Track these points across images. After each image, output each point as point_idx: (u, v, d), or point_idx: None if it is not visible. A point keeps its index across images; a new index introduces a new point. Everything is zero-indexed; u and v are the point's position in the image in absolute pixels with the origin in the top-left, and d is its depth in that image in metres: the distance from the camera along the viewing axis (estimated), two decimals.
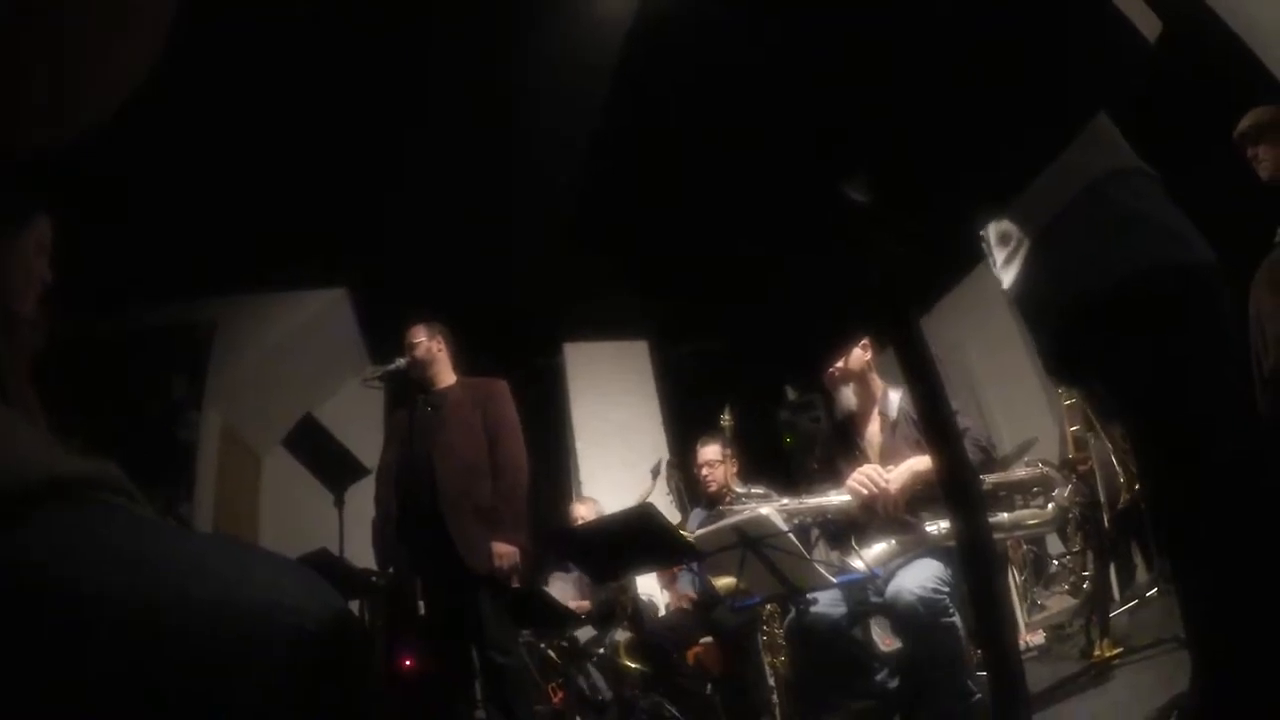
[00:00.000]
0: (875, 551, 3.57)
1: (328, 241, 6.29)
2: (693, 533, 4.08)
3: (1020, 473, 3.85)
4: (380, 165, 5.74)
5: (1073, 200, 1.95)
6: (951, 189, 1.14)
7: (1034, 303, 2.13)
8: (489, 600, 4.26)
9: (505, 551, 4.26)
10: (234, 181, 5.43)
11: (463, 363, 4.77)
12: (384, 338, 5.93)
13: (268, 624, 0.95)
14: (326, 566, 4.69)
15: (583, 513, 6.24)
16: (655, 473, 5.55)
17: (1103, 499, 4.36)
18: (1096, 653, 3.99)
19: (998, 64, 0.97)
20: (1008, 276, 2.18)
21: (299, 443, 5.38)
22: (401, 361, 4.69)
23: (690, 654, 5.04)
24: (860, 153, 1.08)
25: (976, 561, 1.06)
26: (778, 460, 4.48)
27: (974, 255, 2.40)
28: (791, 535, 3.39)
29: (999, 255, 2.19)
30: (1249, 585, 1.77)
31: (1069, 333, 2.03)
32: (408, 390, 4.76)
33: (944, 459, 1.07)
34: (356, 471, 5.08)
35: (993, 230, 2.19)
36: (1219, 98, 4.38)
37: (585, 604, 6.14)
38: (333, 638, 0.97)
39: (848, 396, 3.79)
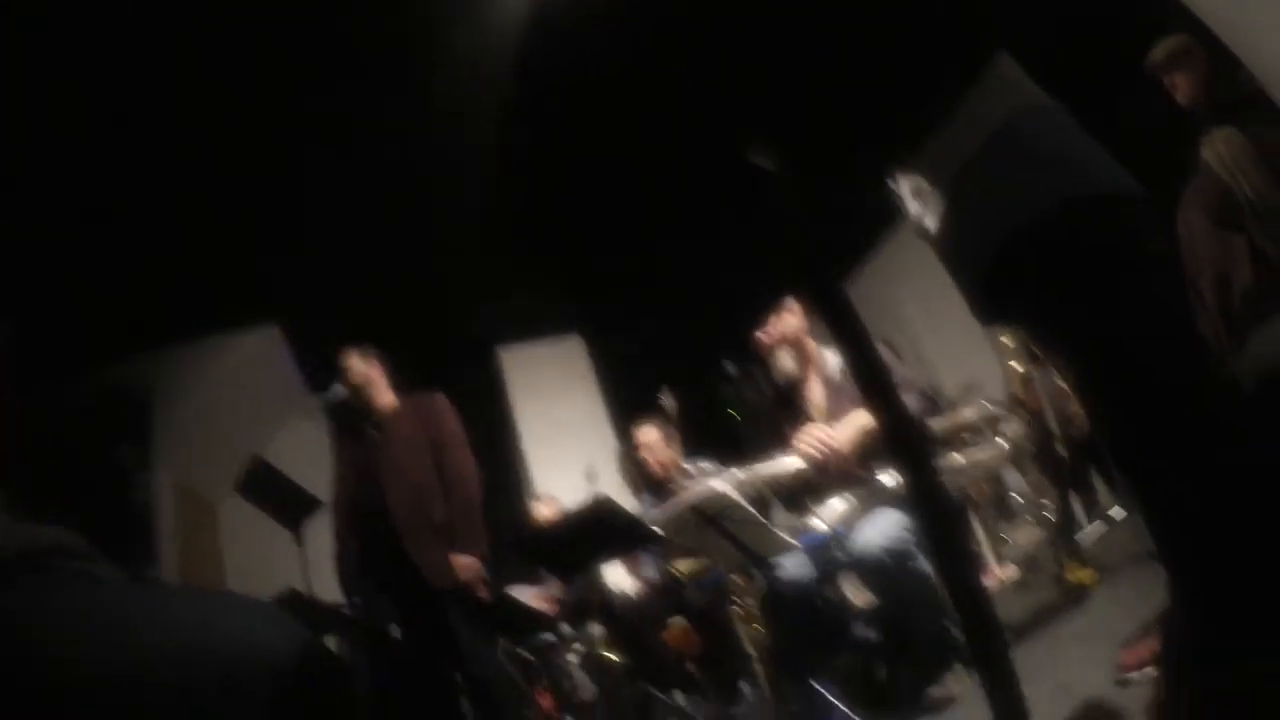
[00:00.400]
0: (834, 510, 3.60)
1: (249, 280, 6.19)
2: (650, 515, 4.07)
3: (967, 414, 3.90)
4: (291, 192, 5.65)
5: (983, 144, 1.94)
6: (857, 148, 1.14)
7: (954, 248, 2.12)
8: (459, 616, 4.22)
9: (465, 564, 4.23)
10: (134, 230, 5.32)
11: (399, 382, 4.71)
12: (321, 367, 5.83)
13: (244, 668, 0.93)
14: (296, 605, 4.64)
15: (545, 512, 6.21)
16: (590, 477, 5.56)
17: (1055, 430, 4.43)
18: (1069, 576, 4.04)
19: (892, 14, 0.97)
20: (928, 222, 2.17)
21: (249, 486, 5.29)
22: (339, 389, 4.64)
23: (665, 635, 5.04)
24: (763, 121, 1.08)
25: (930, 508, 1.07)
26: (728, 435, 4.49)
27: (894, 213, 2.39)
28: (747, 505, 3.39)
29: (914, 208, 2.18)
30: (1214, 496, 1.78)
31: (993, 274, 2.02)
32: (350, 417, 4.71)
33: (883, 412, 1.10)
34: (309, 506, 5.01)
35: (905, 185, 2.17)
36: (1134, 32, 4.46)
37: (553, 603, 6.12)
38: (309, 673, 0.96)
39: (784, 360, 3.80)
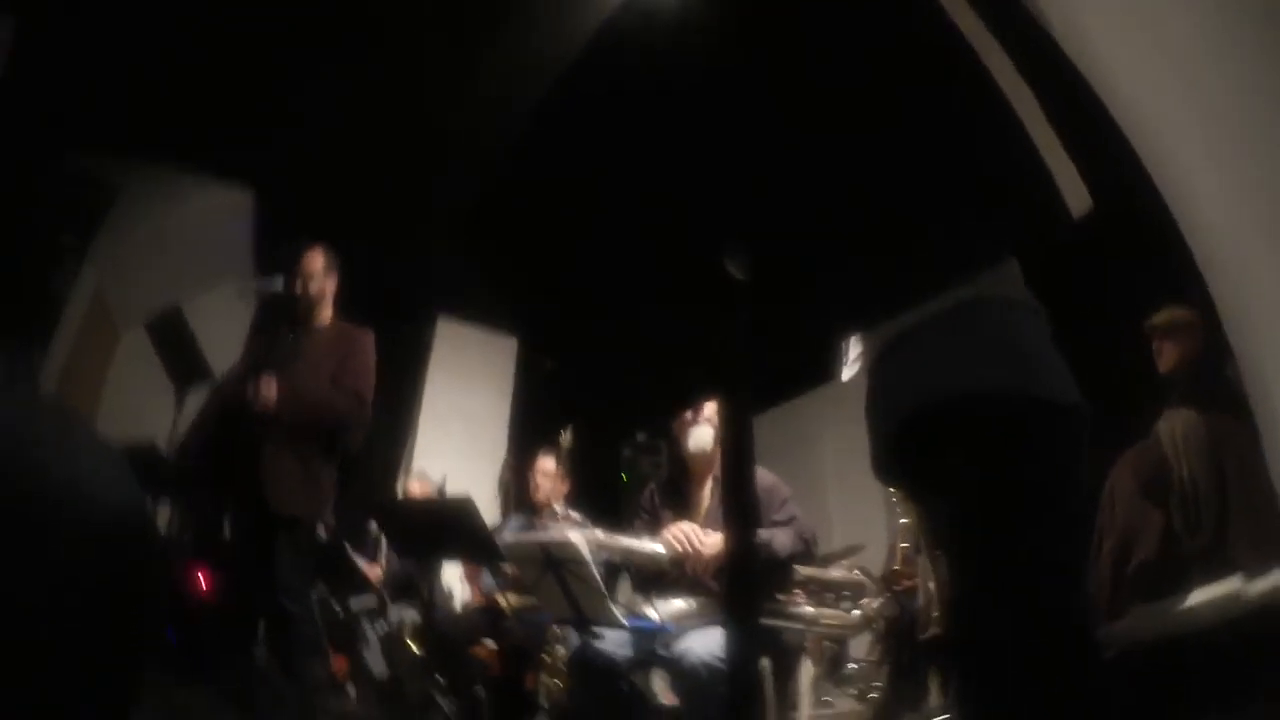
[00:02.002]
0: (673, 607, 3.58)
1: (249, 138, 6.09)
2: (503, 538, 4.04)
3: (835, 573, 3.89)
4: (324, 81, 5.59)
5: (942, 311, 1.91)
6: (827, 300, 1.14)
7: (876, 400, 2.09)
8: (287, 543, 4.12)
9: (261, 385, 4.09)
10: (176, 44, 5.23)
11: (340, 303, 4.60)
12: (273, 250, 5.74)
13: (61, 501, 0.91)
14: (147, 459, 4.55)
15: (414, 489, 6.16)
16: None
17: (912, 620, 4.43)
18: None
19: (912, 190, 0.97)
20: (850, 372, 2.15)
21: (159, 331, 5.19)
22: (281, 282, 4.50)
23: (473, 651, 4.99)
24: (754, 236, 1.08)
25: (740, 643, 1.07)
26: (610, 494, 4.49)
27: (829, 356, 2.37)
28: (594, 567, 3.38)
29: (853, 352, 2.16)
30: None
31: (903, 437, 1.99)
32: (277, 312, 4.58)
33: (735, 538, 1.08)
34: (199, 372, 4.90)
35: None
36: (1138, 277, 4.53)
37: (378, 571, 6.05)
38: (122, 533, 0.93)
39: (700, 436, 3.75)
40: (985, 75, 0.87)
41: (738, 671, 1.09)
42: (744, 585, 1.10)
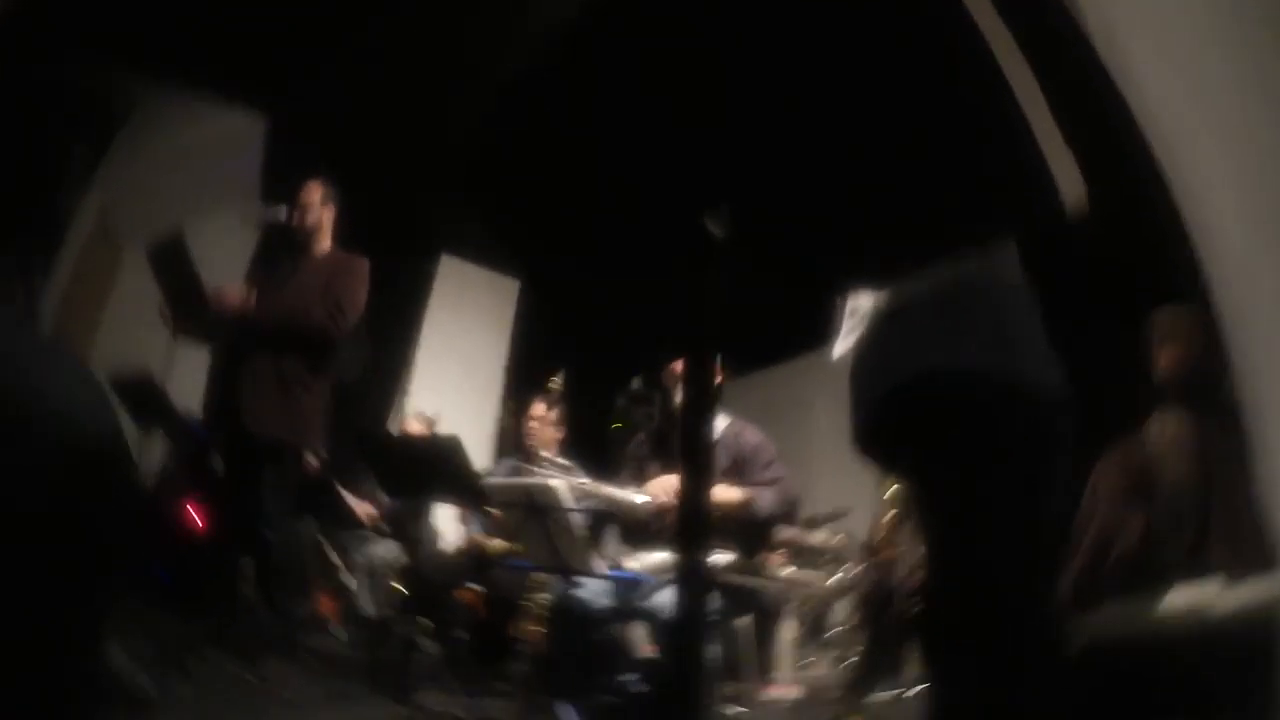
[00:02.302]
0: (655, 559, 3.58)
1: (266, 65, 6.03)
2: (488, 481, 4.03)
3: (817, 536, 3.89)
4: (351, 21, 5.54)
5: (937, 290, 1.89)
6: (813, 257, 1.13)
7: (858, 374, 2.08)
8: (276, 475, 4.13)
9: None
10: None
11: (341, 232, 4.60)
12: (279, 179, 5.70)
13: (36, 425, 0.91)
14: (141, 391, 4.55)
15: (415, 428, 6.16)
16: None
17: (893, 588, 4.44)
18: None
19: (907, 160, 0.95)
20: (842, 345, 2.13)
21: (161, 259, 5.14)
22: (281, 210, 4.50)
23: (461, 596, 5.01)
24: (737, 193, 1.06)
25: (687, 591, 1.07)
26: (603, 441, 4.48)
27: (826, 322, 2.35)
28: (576, 514, 3.37)
29: (847, 325, 2.14)
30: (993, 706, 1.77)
31: (881, 413, 1.98)
32: (278, 241, 4.59)
33: (690, 491, 1.08)
34: (196, 303, 4.86)
35: (848, 305, 2.14)
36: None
37: (373, 511, 6.07)
38: (97, 462, 0.91)
39: (670, 405, 3.77)
40: (987, 55, 0.85)
41: (683, 621, 1.08)
42: (693, 535, 1.09)
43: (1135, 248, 4.66)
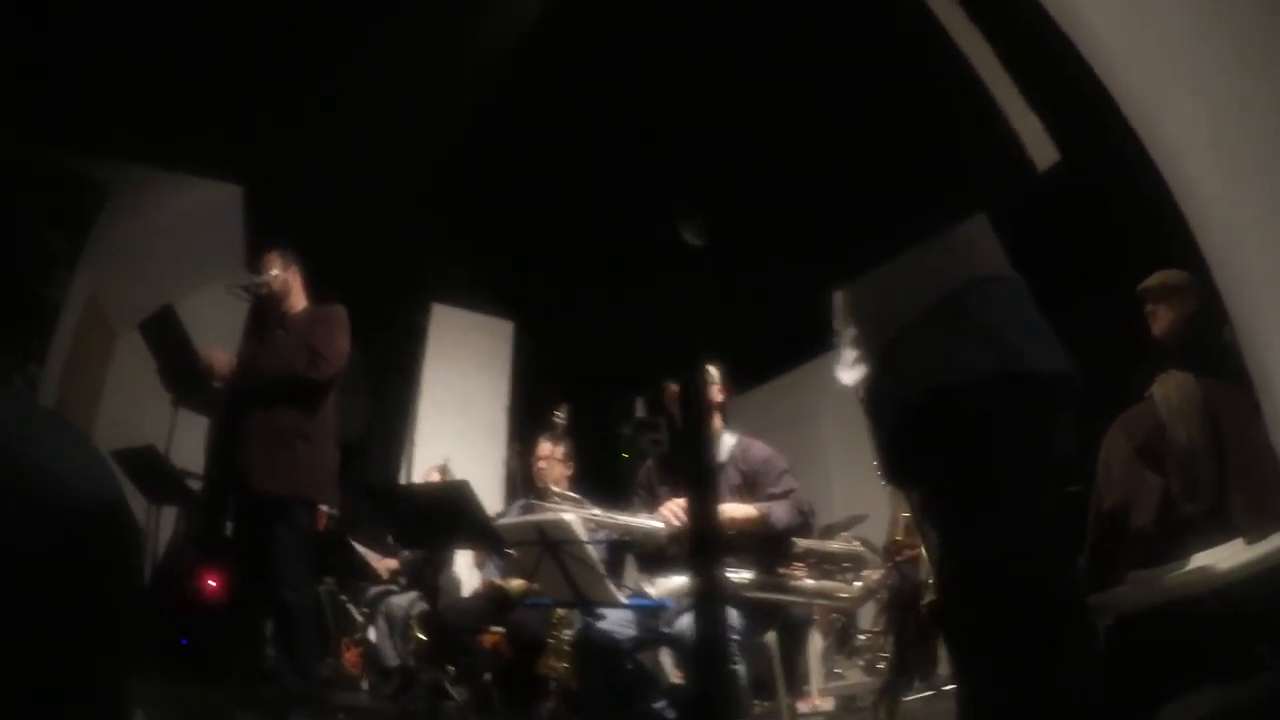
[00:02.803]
0: (674, 583, 3.56)
1: (234, 133, 6.06)
2: (500, 522, 4.03)
3: (835, 545, 3.87)
4: (307, 82, 5.56)
5: (927, 308, 1.93)
6: (792, 260, 1.13)
7: (873, 407, 2.12)
8: (285, 531, 4.13)
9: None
10: (159, 38, 5.20)
11: (319, 291, 4.72)
12: (266, 247, 5.75)
13: (38, 492, 0.89)
14: (146, 462, 4.56)
15: (434, 478, 6.17)
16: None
17: (915, 589, 4.43)
18: None
19: (872, 148, 0.95)
20: (850, 376, 2.16)
21: (152, 332, 5.17)
22: (267, 279, 4.58)
23: (485, 640, 5.00)
24: (711, 198, 1.07)
25: (703, 612, 1.07)
26: (612, 472, 4.48)
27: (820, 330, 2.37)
28: (590, 547, 3.37)
29: (848, 356, 2.17)
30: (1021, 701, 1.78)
31: (899, 438, 2.03)
32: (266, 309, 4.66)
33: (696, 507, 1.07)
34: (194, 374, 4.89)
35: (847, 334, 2.16)
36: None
37: (392, 563, 6.06)
38: (101, 528, 0.91)
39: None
40: (944, 34, 0.85)
41: (704, 641, 1.07)
42: (704, 553, 1.08)
43: (1119, 213, 4.69)
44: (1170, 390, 3.27)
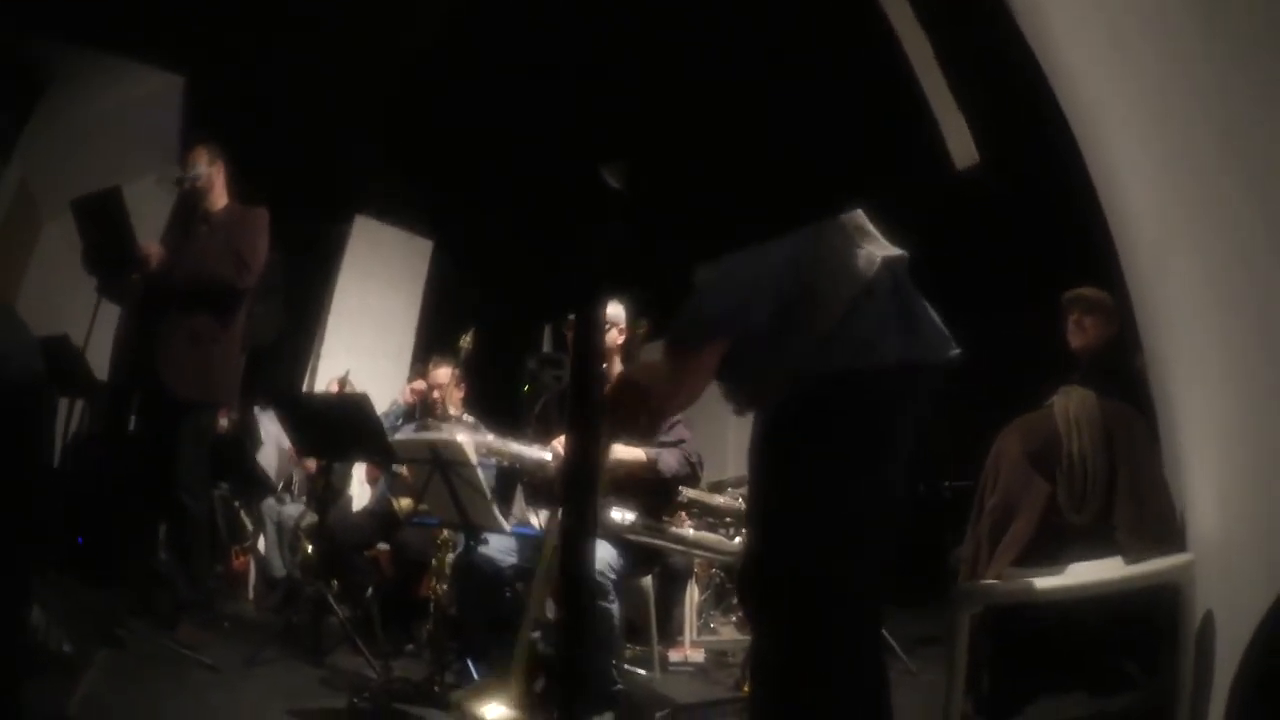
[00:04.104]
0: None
1: (187, 23, 5.95)
2: (395, 437, 4.07)
3: (719, 499, 3.99)
4: None
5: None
6: (705, 211, 1.16)
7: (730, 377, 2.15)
8: (190, 433, 4.14)
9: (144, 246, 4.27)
10: None
11: (242, 189, 4.67)
12: (195, 141, 5.66)
13: None
14: (58, 351, 4.49)
15: (330, 389, 6.18)
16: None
17: None
18: (745, 689, 4.14)
19: (791, 115, 0.98)
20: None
21: (89, 212, 4.97)
22: (192, 172, 4.53)
23: (370, 554, 5.05)
24: (635, 145, 1.10)
25: (571, 553, 1.09)
26: (514, 404, 4.55)
27: None
28: (480, 470, 3.42)
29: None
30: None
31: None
32: (190, 205, 4.61)
33: (576, 445, 1.09)
34: (124, 261, 4.76)
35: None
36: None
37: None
38: (26, 402, 0.93)
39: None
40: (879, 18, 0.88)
41: (570, 574, 1.11)
42: (578, 486, 1.12)
43: (1047, 223, 4.80)
44: (1072, 403, 3.35)
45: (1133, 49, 2.73)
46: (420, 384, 5.22)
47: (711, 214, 1.17)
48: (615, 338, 3.74)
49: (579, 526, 1.13)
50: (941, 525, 4.66)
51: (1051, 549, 3.18)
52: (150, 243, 4.31)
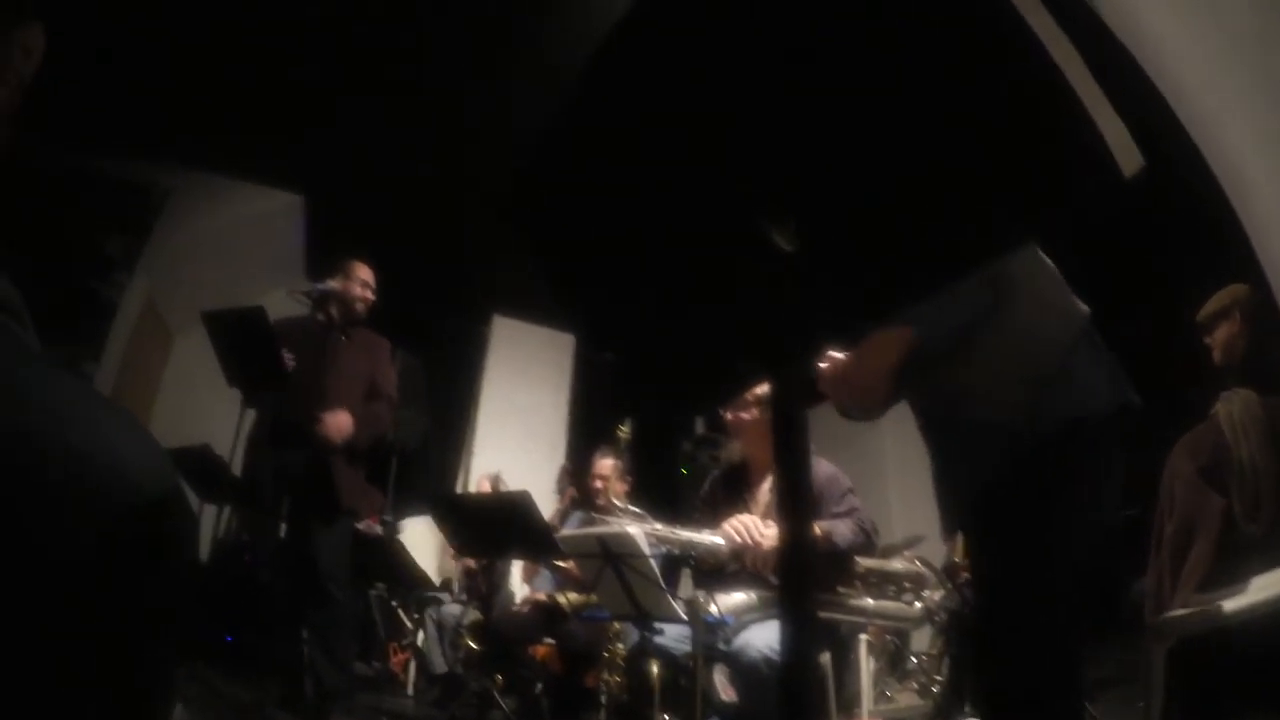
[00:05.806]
0: (734, 600, 3.54)
1: (299, 143, 6.13)
2: (561, 533, 4.02)
3: (896, 564, 3.83)
4: (370, 91, 5.62)
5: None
6: (882, 271, 1.09)
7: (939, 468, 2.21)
8: (335, 532, 4.25)
9: (337, 421, 4.32)
10: (229, 51, 5.26)
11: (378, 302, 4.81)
12: (324, 257, 5.78)
13: (99, 477, 0.87)
14: (199, 460, 4.56)
15: (484, 487, 6.21)
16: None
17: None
18: None
19: (960, 151, 0.92)
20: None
21: (228, 326, 5.03)
22: (334, 284, 4.60)
23: (536, 651, 5.00)
24: (804, 204, 1.03)
25: (794, 640, 1.03)
26: (671, 487, 4.47)
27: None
28: (652, 560, 3.35)
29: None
30: None
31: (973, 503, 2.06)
32: (325, 313, 4.66)
33: (789, 532, 1.02)
34: (279, 378, 4.78)
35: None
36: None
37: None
38: (159, 516, 0.91)
39: (736, 445, 3.76)
40: (1030, 36, 0.83)
41: (792, 666, 1.04)
42: (798, 578, 1.05)
43: (1181, 229, 4.61)
44: (1234, 408, 3.23)
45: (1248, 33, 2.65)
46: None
47: (898, 263, 1.08)
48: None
49: (798, 614, 1.05)
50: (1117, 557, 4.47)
51: (1234, 566, 3.03)
52: (339, 414, 4.37)
